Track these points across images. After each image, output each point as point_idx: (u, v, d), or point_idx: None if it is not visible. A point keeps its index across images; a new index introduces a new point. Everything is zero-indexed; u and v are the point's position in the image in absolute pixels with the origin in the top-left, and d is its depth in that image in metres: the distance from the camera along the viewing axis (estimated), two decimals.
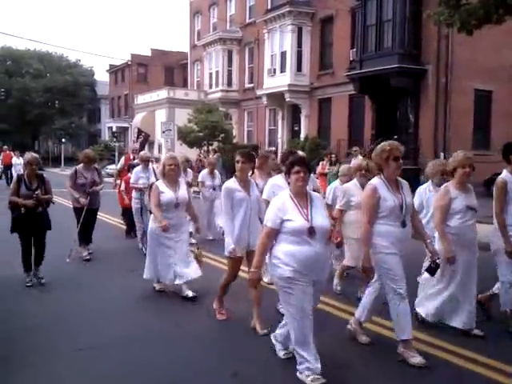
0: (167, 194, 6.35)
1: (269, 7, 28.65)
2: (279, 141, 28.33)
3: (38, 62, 54.57)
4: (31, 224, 6.89)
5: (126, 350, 4.91)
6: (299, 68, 26.48)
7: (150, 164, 10.18)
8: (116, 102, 53.47)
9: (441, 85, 19.90)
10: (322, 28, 25.90)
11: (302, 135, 26.10)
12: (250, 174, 5.67)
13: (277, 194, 4.91)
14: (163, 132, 26.22)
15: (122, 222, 12.06)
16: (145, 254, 8.04)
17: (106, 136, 50.42)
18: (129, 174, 10.54)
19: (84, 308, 6.15)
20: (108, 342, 5.08)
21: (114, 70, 53.50)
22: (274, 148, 28.32)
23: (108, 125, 50.84)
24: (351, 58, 22.89)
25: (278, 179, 5.82)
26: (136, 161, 11.82)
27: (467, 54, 19.18)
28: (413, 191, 5.60)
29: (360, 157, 17.33)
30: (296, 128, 27.88)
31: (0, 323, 5.57)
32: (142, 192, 9.45)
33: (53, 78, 53.43)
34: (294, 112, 27.88)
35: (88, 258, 8.73)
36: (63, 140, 47.54)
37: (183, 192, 6.52)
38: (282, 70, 26.70)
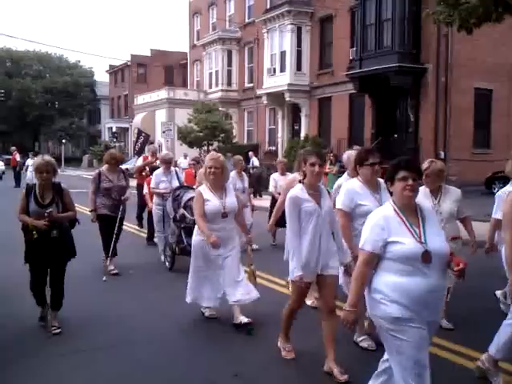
0: (212, 201, 5.37)
1: (268, 7, 28.64)
2: (279, 140, 28.32)
3: (37, 63, 54.69)
4: (45, 252, 5.19)
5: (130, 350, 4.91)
6: (299, 67, 26.47)
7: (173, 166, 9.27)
8: (116, 102, 53.48)
9: (441, 84, 19.89)
10: (321, 27, 25.89)
11: (302, 134, 26.09)
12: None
13: (357, 203, 4.62)
14: (163, 132, 26.21)
15: (137, 227, 11.77)
16: (170, 269, 8.04)
17: (106, 136, 50.45)
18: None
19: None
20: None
21: (114, 71, 53.52)
22: (274, 148, 28.36)
23: (108, 125, 50.86)
24: (351, 58, 22.88)
25: (355, 184, 4.83)
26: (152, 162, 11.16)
27: (467, 53, 19.17)
28: None
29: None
30: (296, 127, 27.87)
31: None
32: (163, 198, 8.52)
33: (53, 78, 53.51)
34: (294, 111, 27.87)
35: (116, 271, 7.74)
36: (63, 141, 47.61)
37: (231, 199, 5.50)
38: (282, 69, 26.69)
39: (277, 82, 26.76)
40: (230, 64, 32.80)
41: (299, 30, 26.27)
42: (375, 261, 3.19)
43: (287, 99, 26.62)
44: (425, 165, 5.16)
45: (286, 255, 4.60)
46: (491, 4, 9.30)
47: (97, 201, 7.75)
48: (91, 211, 7.76)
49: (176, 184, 8.53)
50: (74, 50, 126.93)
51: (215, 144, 26.36)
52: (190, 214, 7.27)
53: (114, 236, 7.72)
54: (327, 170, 17.95)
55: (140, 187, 10.72)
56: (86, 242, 9.03)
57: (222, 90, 32.57)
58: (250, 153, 23.96)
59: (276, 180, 10.08)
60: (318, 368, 4.40)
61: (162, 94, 34.75)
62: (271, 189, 10.17)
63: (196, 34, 37.67)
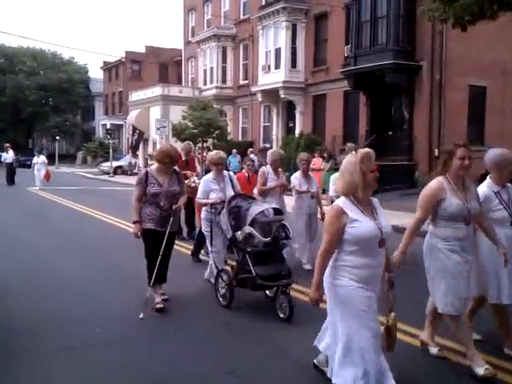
0: (364, 223, 3.58)
1: (263, 4, 28.60)
2: (274, 137, 28.32)
3: (31, 60, 54.40)
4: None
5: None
6: (294, 64, 26.46)
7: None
8: (110, 99, 53.32)
9: (435, 81, 19.92)
10: (316, 24, 25.87)
11: (297, 131, 26.10)
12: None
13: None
14: (157, 129, 26.20)
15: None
16: (226, 306, 6.01)
17: (100, 133, 50.31)
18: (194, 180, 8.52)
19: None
20: None
21: (108, 68, 53.35)
22: (268, 145, 28.35)
23: (102, 122, 50.71)
24: (346, 55, 22.88)
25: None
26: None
27: (461, 50, 19.20)
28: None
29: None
30: (291, 124, 27.87)
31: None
32: (215, 210, 6.59)
33: (46, 75, 53.28)
34: (289, 108, 27.86)
35: (161, 306, 5.93)
36: (57, 138, 47.43)
37: (385, 219, 3.72)
38: (277, 66, 26.67)
39: (271, 79, 26.74)
40: (224, 61, 32.74)
41: (294, 26, 26.26)
42: None
43: (282, 96, 26.61)
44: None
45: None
46: (486, 1, 9.31)
47: (141, 210, 6.10)
48: (135, 223, 6.06)
49: (231, 192, 6.65)
50: (68, 46, 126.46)
51: (210, 141, 26.33)
52: (260, 233, 5.74)
53: (161, 257, 5.96)
54: (322, 167, 18.04)
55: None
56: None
57: (216, 87, 32.52)
58: (250, 150, 23.95)
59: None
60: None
61: (157, 90, 34.66)
62: (331, 193, 7.47)
63: (191, 31, 37.58)
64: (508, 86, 20.98)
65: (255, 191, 7.82)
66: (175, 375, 4.39)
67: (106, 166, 35.00)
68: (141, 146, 35.41)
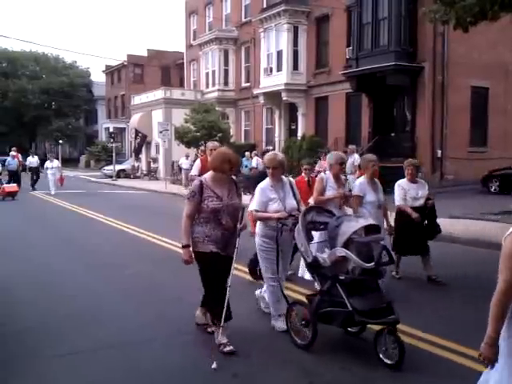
0: None
1: (264, 6, 28.64)
2: (276, 140, 28.33)
3: (34, 64, 54.66)
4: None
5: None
6: (295, 67, 26.47)
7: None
8: (112, 102, 53.43)
9: (437, 82, 19.92)
10: (317, 27, 25.88)
11: (299, 134, 26.10)
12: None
13: None
14: (160, 132, 26.21)
15: None
16: (306, 346, 4.83)
17: (103, 137, 50.41)
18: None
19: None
20: None
21: (111, 71, 53.48)
22: (271, 147, 28.35)
23: (105, 125, 50.81)
24: (347, 57, 22.87)
25: None
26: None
27: (463, 51, 19.21)
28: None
29: (356, 155, 17.39)
30: (293, 127, 27.88)
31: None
32: (281, 227, 5.20)
33: (49, 79, 53.47)
34: (291, 111, 27.87)
35: (231, 348, 4.76)
36: (60, 141, 47.52)
37: None
38: (279, 68, 26.69)
39: (273, 81, 26.76)
40: (226, 64, 32.79)
41: (296, 29, 26.27)
42: None
43: (284, 98, 26.63)
44: None
45: None
46: (487, 2, 9.32)
47: (195, 229, 4.87)
48: (185, 247, 4.84)
49: (293, 203, 5.39)
50: (70, 50, 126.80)
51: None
52: (358, 256, 4.53)
53: (211, 287, 4.90)
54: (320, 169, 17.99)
55: None
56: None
57: (218, 90, 32.55)
58: (253, 152, 23.90)
59: (406, 189, 7.32)
60: (317, 369, 4.40)
61: (159, 94, 34.71)
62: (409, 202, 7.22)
63: (192, 34, 37.63)
64: (510, 86, 20.99)
65: (311, 201, 6.65)
66: (179, 378, 4.38)
67: (109, 169, 35.07)
68: (143, 149, 35.47)
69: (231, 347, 4.74)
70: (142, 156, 35.96)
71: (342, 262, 4.60)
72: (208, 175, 4.97)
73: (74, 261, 8.99)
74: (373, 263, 4.50)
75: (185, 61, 39.31)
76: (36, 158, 25.65)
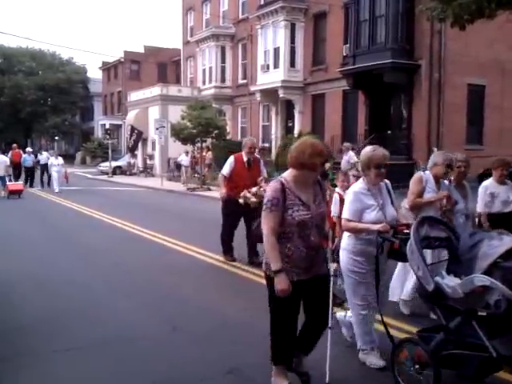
0: None
1: (261, 3, 28.60)
2: (273, 137, 28.32)
3: (30, 60, 54.40)
4: None
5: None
6: (292, 64, 26.46)
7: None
8: (109, 99, 53.29)
9: (434, 80, 19.94)
10: (315, 24, 25.87)
11: (296, 131, 26.09)
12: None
13: None
14: (157, 129, 26.15)
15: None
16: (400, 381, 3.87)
17: (99, 133, 50.27)
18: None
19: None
20: None
21: (107, 68, 53.31)
22: (267, 144, 28.35)
23: (101, 122, 50.68)
24: (344, 54, 22.89)
25: None
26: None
27: (460, 49, 19.22)
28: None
29: (351, 153, 17.38)
30: (290, 124, 27.88)
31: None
32: (382, 241, 4.08)
33: (45, 75, 53.28)
34: (288, 108, 27.86)
35: None
36: (56, 138, 47.44)
37: None
38: (276, 65, 26.67)
39: (270, 78, 26.74)
40: (223, 60, 32.74)
41: (293, 26, 26.25)
42: None
43: (281, 96, 26.61)
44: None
45: None
46: (484, 0, 9.33)
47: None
48: (278, 273, 3.57)
49: (393, 212, 4.37)
50: (66, 46, 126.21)
51: (209, 141, 26.30)
52: (506, 286, 3.40)
53: (315, 315, 3.91)
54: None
55: None
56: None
57: (215, 87, 32.50)
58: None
59: (494, 192, 6.44)
60: (314, 366, 4.40)
61: (156, 90, 34.63)
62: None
63: (189, 31, 37.56)
64: (507, 84, 21.01)
65: (404, 205, 5.47)
66: (175, 375, 4.38)
67: (105, 166, 34.98)
68: (140, 146, 35.39)
69: None
70: (138, 153, 35.88)
71: (479, 293, 3.49)
72: (289, 175, 3.75)
73: (74, 258, 8.99)
74: None
75: (181, 57, 39.25)
76: (45, 154, 25.26)
